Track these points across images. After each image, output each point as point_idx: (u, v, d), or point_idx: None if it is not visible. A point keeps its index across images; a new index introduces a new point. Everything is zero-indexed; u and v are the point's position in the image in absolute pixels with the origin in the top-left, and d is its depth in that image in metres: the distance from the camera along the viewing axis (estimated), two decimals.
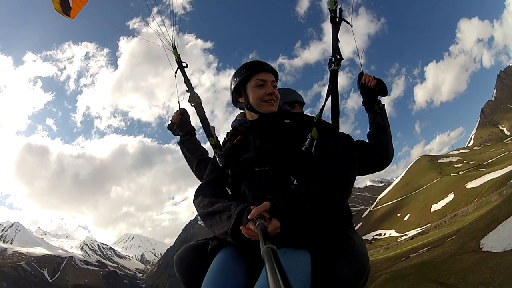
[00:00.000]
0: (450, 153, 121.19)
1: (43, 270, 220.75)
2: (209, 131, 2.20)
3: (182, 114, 2.51)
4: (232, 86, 1.94)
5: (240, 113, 2.09)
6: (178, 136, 2.54)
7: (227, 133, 2.02)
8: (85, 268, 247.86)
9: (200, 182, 1.91)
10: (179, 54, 2.54)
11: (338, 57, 2.12)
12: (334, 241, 1.55)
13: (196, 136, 2.55)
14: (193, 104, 2.38)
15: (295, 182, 1.63)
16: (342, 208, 1.80)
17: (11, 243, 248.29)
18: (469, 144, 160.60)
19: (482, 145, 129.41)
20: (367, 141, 2.17)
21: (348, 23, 2.24)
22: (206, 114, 2.36)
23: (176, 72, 2.48)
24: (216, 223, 1.59)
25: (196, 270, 1.59)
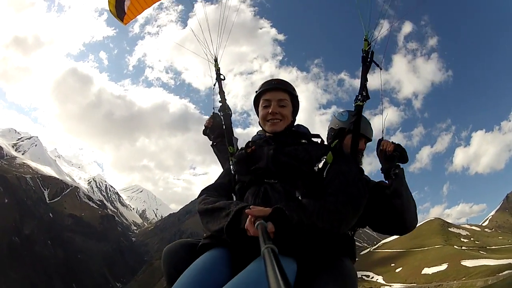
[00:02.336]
0: (463, 225, 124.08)
1: (45, 190, 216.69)
2: (230, 140, 2.28)
3: (214, 118, 2.68)
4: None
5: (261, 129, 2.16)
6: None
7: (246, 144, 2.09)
8: (86, 202, 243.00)
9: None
10: (219, 67, 2.71)
11: (365, 94, 2.19)
12: (323, 257, 1.57)
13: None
14: (222, 114, 2.54)
15: (299, 198, 1.66)
16: (347, 238, 1.89)
17: (22, 154, 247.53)
18: (483, 224, 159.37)
19: (494, 229, 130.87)
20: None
21: (378, 65, 2.32)
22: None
23: (215, 84, 2.63)
24: (213, 220, 1.63)
25: (182, 264, 1.57)
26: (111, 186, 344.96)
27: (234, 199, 1.82)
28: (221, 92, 2.59)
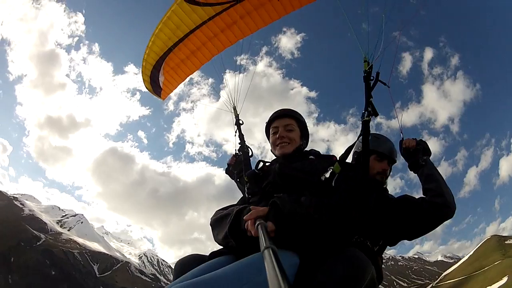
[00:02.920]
0: None
1: (94, 265, 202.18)
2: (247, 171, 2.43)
3: (236, 156, 2.95)
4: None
5: None
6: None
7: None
8: (138, 276, 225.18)
9: None
10: (238, 114, 3.21)
11: (370, 110, 2.29)
12: (329, 248, 1.53)
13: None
14: (240, 153, 2.92)
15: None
16: (368, 249, 1.87)
17: (68, 230, 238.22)
18: None
19: None
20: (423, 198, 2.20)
21: (385, 84, 2.44)
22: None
23: (236, 130, 3.07)
24: (220, 228, 1.69)
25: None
26: (163, 260, 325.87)
27: None
28: (240, 135, 3.05)
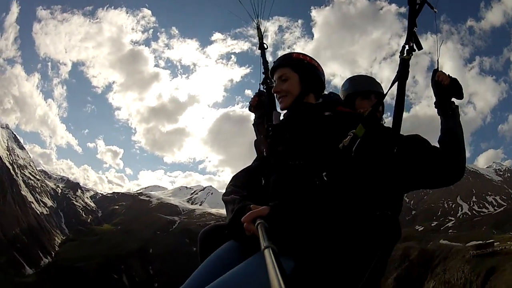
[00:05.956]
0: None
1: None
2: (271, 116, 2.20)
3: (259, 96, 2.54)
4: None
5: None
6: None
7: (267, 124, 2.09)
8: None
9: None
10: (262, 35, 2.64)
11: (412, 44, 1.89)
12: (326, 254, 1.43)
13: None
14: (265, 87, 2.47)
15: (324, 178, 1.53)
16: (382, 219, 1.59)
17: (200, 205, 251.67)
18: None
19: None
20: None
21: (432, 7, 1.97)
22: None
23: (261, 54, 2.57)
24: (227, 212, 1.66)
25: (213, 247, 1.59)
26: None
27: (263, 182, 1.77)
28: (264, 63, 2.52)
